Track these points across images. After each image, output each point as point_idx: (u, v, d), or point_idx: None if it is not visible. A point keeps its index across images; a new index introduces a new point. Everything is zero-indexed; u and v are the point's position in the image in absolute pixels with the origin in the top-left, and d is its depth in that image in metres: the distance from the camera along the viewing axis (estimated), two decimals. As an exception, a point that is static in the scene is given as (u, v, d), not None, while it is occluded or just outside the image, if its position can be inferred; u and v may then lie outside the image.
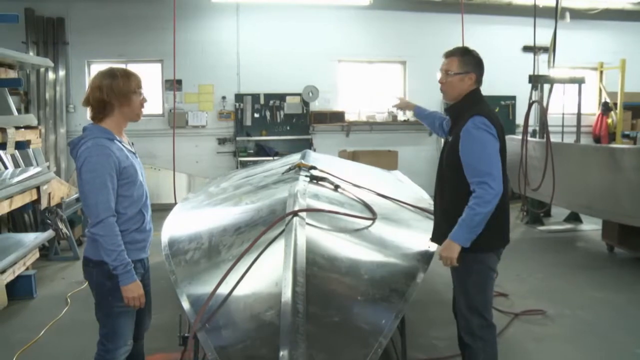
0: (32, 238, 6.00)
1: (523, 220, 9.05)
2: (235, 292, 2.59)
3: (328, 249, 2.91)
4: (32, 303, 5.46)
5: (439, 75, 3.23)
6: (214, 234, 3.43)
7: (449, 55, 3.20)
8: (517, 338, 4.54)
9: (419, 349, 4.27)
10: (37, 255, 5.97)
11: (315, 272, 2.60)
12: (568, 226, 8.74)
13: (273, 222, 3.03)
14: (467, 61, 3.15)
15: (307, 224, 3.02)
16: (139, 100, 2.93)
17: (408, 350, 3.76)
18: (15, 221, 7.24)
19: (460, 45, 3.41)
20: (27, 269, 5.63)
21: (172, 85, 10.50)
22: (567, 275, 6.21)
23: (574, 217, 8.93)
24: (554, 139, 9.68)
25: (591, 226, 8.40)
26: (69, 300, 5.34)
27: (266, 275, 2.63)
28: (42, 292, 5.74)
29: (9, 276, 5.14)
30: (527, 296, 5.50)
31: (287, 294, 2.33)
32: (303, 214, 3.09)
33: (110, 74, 2.87)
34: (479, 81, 3.20)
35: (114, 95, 2.83)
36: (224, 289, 2.61)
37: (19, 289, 5.48)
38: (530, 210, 8.83)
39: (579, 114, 8.82)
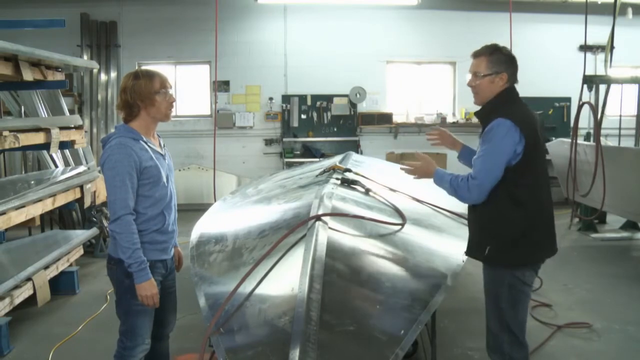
0: (78, 235, 6.18)
1: (572, 228, 8.61)
2: (252, 297, 2.55)
3: (349, 255, 2.83)
4: (74, 299, 5.61)
5: (468, 77, 3.01)
6: (239, 236, 3.41)
7: (476, 55, 2.97)
8: (558, 352, 4.30)
9: (452, 359, 4.13)
10: (81, 252, 6.11)
11: (334, 278, 2.53)
12: (624, 234, 8.26)
13: (295, 226, 2.97)
14: (497, 60, 2.91)
15: (330, 228, 2.94)
16: (164, 100, 2.93)
17: (440, 360, 3.64)
18: (64, 219, 7.50)
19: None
20: (70, 265, 5.77)
21: (221, 86, 10.64)
22: (618, 287, 5.85)
23: (631, 225, 8.44)
24: (612, 142, 9.27)
25: (650, 235, 7.95)
26: (108, 297, 5.45)
27: (284, 280, 2.58)
28: (85, 288, 5.89)
29: (52, 272, 5.28)
30: (572, 308, 5.23)
31: (301, 301, 2.27)
32: (326, 219, 3.02)
33: (134, 75, 2.89)
34: (512, 80, 2.96)
35: (138, 97, 2.85)
36: (241, 293, 2.56)
37: (62, 284, 5.65)
38: (582, 217, 8.42)
39: (638, 116, 8.38)
